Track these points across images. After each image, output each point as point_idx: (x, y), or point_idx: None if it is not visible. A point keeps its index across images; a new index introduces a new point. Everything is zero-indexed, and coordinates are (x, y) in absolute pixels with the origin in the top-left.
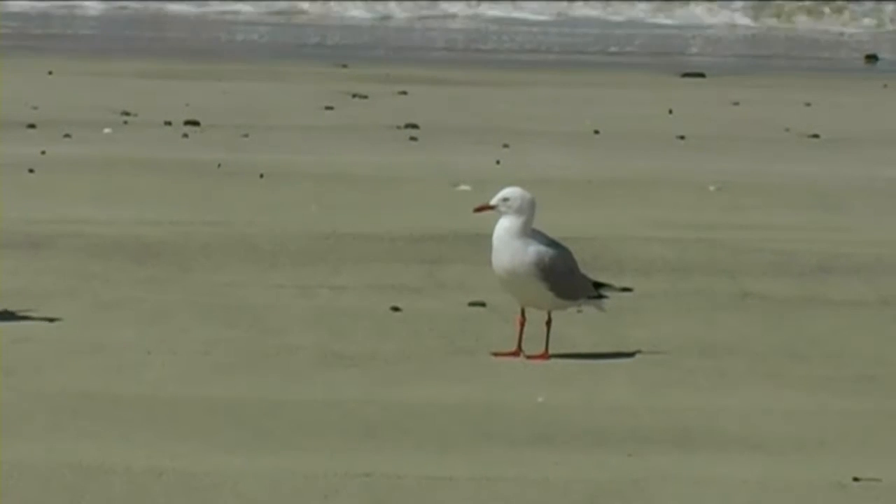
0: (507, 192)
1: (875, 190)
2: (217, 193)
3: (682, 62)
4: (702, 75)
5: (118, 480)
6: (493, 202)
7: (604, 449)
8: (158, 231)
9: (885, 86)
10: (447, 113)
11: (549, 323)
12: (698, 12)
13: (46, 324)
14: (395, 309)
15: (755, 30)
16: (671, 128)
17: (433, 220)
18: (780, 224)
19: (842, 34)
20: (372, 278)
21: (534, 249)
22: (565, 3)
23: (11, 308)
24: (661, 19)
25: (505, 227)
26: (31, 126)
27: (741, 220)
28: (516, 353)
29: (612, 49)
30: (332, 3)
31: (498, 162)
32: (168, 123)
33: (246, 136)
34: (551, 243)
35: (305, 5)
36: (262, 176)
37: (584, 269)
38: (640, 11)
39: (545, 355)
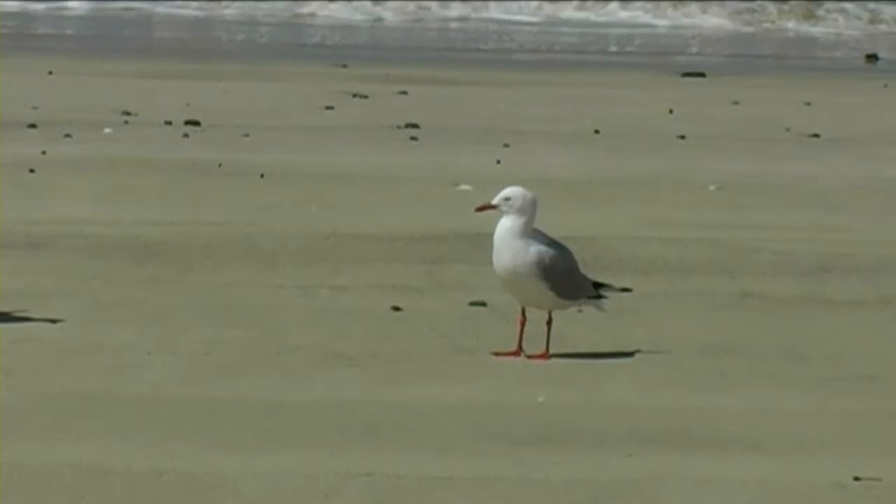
0: (509, 191)
1: (875, 190)
2: (217, 193)
3: (683, 62)
4: (702, 75)
5: (118, 481)
6: (494, 202)
7: (604, 449)
8: (159, 231)
9: (886, 85)
10: (447, 113)
11: (549, 323)
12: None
13: (46, 324)
14: (396, 309)
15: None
16: (671, 127)
17: (433, 219)
18: (780, 224)
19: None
20: (372, 278)
21: (535, 249)
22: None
23: (11, 308)
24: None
25: (507, 226)
26: (32, 126)
27: (741, 219)
28: (517, 353)
29: (613, 49)
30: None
31: (498, 162)
32: (168, 123)
33: (246, 135)
34: (552, 243)
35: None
36: (262, 176)
37: (584, 269)
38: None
39: (546, 355)
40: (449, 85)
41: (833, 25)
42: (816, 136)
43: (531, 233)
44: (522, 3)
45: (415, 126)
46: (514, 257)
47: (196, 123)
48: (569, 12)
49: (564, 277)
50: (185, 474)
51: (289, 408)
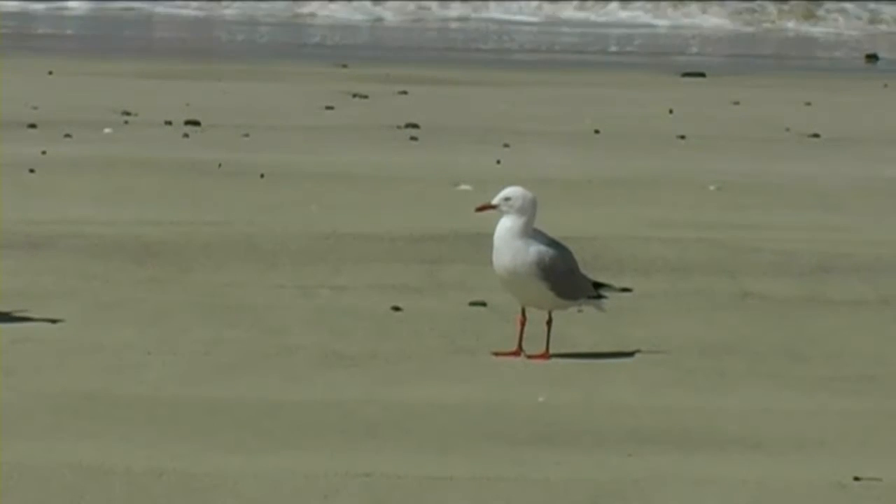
0: (509, 191)
1: (875, 190)
2: (217, 193)
3: (683, 62)
4: (702, 75)
5: (118, 481)
6: (494, 202)
7: (604, 449)
8: (159, 231)
9: (886, 85)
10: (447, 113)
11: (549, 323)
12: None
13: (46, 324)
14: (396, 309)
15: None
16: (671, 127)
17: (434, 219)
18: (780, 224)
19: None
20: (372, 278)
21: (535, 249)
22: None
23: (11, 308)
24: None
25: (507, 226)
26: (32, 126)
27: (741, 219)
28: (517, 353)
29: (613, 49)
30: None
31: (498, 162)
32: (168, 123)
33: (246, 135)
34: (552, 243)
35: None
36: (262, 176)
37: (584, 269)
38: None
39: (546, 355)
40: (449, 85)
41: (833, 25)
42: (816, 136)
43: (531, 233)
44: (522, 4)
45: (415, 126)
46: (515, 257)
47: (196, 123)
48: (569, 12)
49: (564, 277)
50: (185, 474)
51: (289, 408)
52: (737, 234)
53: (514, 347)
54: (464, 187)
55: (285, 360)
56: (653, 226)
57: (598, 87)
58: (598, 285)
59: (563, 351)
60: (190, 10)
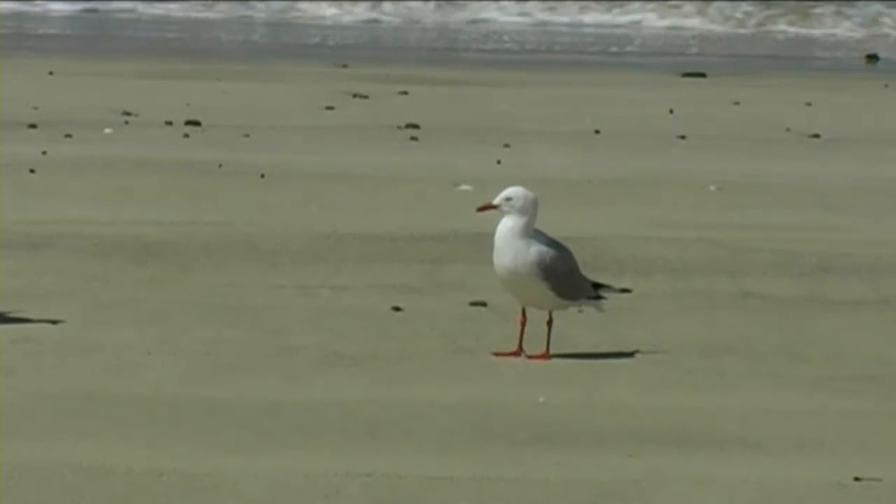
0: (511, 191)
1: (875, 190)
2: (218, 193)
3: (683, 62)
4: (702, 75)
5: (118, 481)
6: (496, 202)
7: (604, 449)
8: (159, 231)
9: (886, 86)
10: (448, 113)
11: (549, 323)
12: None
13: (46, 324)
14: (396, 309)
15: (755, 31)
16: (672, 127)
17: (434, 219)
18: (781, 224)
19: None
20: (373, 278)
21: (535, 249)
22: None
23: (11, 308)
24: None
25: (508, 226)
26: (32, 126)
27: (741, 220)
28: (517, 353)
29: (613, 49)
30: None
31: (499, 162)
32: (169, 123)
33: (247, 136)
34: (552, 243)
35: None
36: (262, 176)
37: (584, 269)
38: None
39: (546, 355)
40: (449, 85)
41: (833, 26)
42: (817, 136)
43: (532, 233)
44: (522, 4)
45: (415, 126)
46: (515, 257)
47: (196, 123)
48: (569, 13)
49: (565, 278)
50: (186, 474)
51: (289, 408)
52: (737, 234)
53: (515, 348)
54: (464, 187)
55: (285, 360)
56: (653, 226)
57: (599, 87)
58: (597, 286)
59: (563, 351)
60: (190, 11)
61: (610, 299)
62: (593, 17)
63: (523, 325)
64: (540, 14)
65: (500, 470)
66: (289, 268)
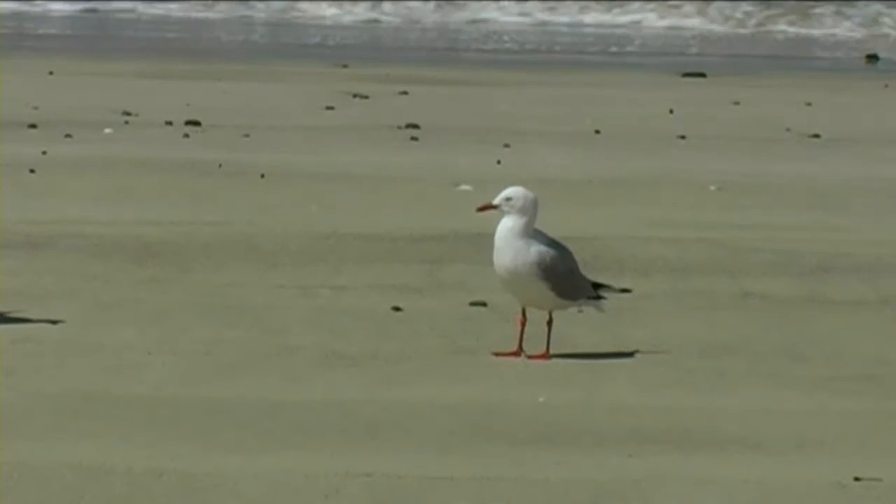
0: (511, 191)
1: (875, 190)
2: (218, 193)
3: (683, 62)
4: (702, 75)
5: (118, 481)
6: (496, 202)
7: (604, 449)
8: (159, 231)
9: (886, 86)
10: (448, 113)
11: (550, 323)
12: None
13: (46, 324)
14: (396, 309)
15: (755, 31)
16: (672, 127)
17: (434, 219)
18: (781, 224)
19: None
20: (373, 278)
21: (535, 249)
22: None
23: (11, 308)
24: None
25: (508, 226)
26: (32, 126)
27: (741, 220)
28: (517, 353)
29: (613, 49)
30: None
31: (499, 162)
32: (169, 123)
33: (247, 136)
34: (552, 243)
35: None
36: (262, 176)
37: (584, 269)
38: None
39: (546, 355)
40: (449, 85)
41: (833, 26)
42: (817, 136)
43: (532, 233)
44: (522, 4)
45: (415, 126)
46: (515, 257)
47: (196, 123)
48: (569, 13)
49: (565, 278)
50: (186, 474)
51: (289, 408)
52: (737, 234)
53: (515, 348)
54: (464, 187)
55: (285, 360)
56: (653, 226)
57: (599, 87)
58: (597, 286)
59: (563, 351)
60: (189, 11)
61: (610, 299)
62: (593, 17)
63: (523, 325)
64: (540, 14)
65: (500, 470)
66: (289, 268)
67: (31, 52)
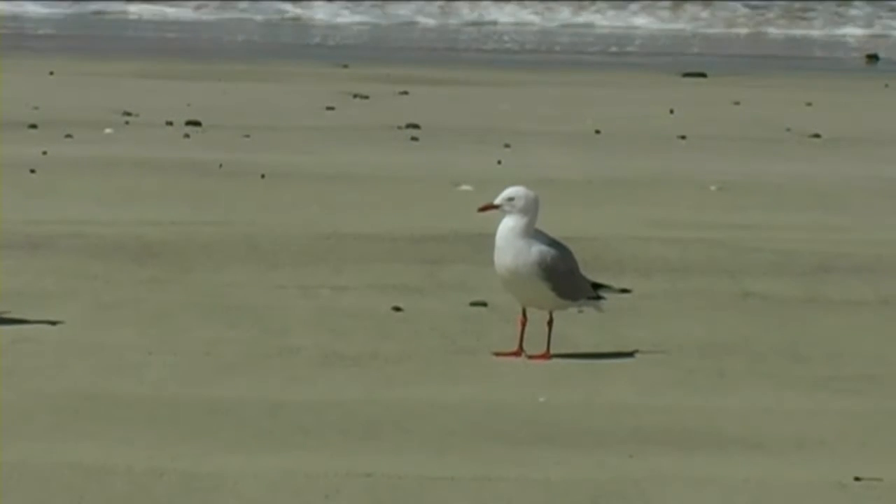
0: (512, 191)
1: (875, 190)
2: (218, 194)
3: (683, 62)
4: (703, 75)
5: (119, 481)
6: (497, 202)
7: (604, 449)
8: (159, 231)
9: (887, 86)
10: (448, 113)
11: (550, 323)
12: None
13: (46, 324)
14: (397, 309)
15: (755, 31)
16: (672, 128)
17: (434, 220)
18: (781, 224)
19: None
20: (373, 278)
21: (536, 249)
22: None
23: (11, 308)
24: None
25: (509, 226)
26: (33, 126)
27: (741, 220)
28: (517, 353)
29: (613, 49)
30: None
31: (499, 162)
32: (169, 124)
33: (247, 136)
34: (553, 243)
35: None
36: (263, 176)
37: (584, 269)
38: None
39: (546, 355)
40: (449, 85)
41: (833, 26)
42: (817, 136)
43: (533, 233)
44: (522, 4)
45: (415, 126)
46: (516, 257)
47: (197, 124)
48: (569, 13)
49: (565, 278)
50: (186, 474)
51: (289, 408)
52: (737, 234)
53: (515, 348)
54: (464, 187)
55: (286, 360)
56: (653, 226)
57: (599, 87)
58: (597, 286)
59: (563, 351)
60: (189, 11)
61: (610, 299)
62: (593, 17)
63: (523, 325)
64: (540, 14)
65: (500, 470)
66: (289, 268)
67: (31, 52)
